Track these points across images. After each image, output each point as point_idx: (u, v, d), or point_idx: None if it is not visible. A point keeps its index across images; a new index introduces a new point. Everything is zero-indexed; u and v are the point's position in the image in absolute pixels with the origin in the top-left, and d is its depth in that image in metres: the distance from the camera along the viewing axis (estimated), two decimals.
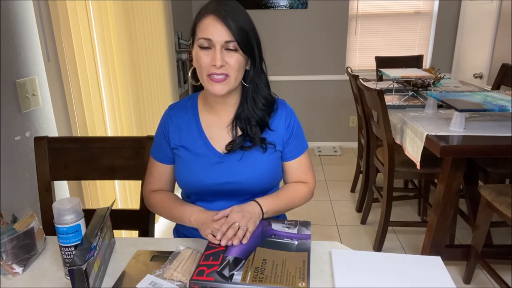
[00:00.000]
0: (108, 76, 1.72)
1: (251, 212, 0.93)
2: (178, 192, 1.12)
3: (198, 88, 1.06)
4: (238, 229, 0.86)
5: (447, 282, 0.76)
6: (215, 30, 0.88)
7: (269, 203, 0.98)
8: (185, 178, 1.02)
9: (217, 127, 1.02)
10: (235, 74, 0.92)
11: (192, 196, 1.06)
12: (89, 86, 1.55)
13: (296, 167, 1.07)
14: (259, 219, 0.94)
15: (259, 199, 0.98)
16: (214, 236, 0.85)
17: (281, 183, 1.12)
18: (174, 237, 1.15)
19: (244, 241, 0.84)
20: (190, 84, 1.07)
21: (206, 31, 0.89)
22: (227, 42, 0.89)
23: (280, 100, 1.06)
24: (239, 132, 1.01)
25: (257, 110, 1.00)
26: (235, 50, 0.91)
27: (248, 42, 0.92)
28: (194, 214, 0.94)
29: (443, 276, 0.78)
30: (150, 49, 2.29)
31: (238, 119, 1.01)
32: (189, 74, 1.03)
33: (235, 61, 0.91)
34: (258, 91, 1.00)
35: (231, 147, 0.99)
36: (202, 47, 0.91)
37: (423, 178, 2.39)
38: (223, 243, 0.83)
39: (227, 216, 0.90)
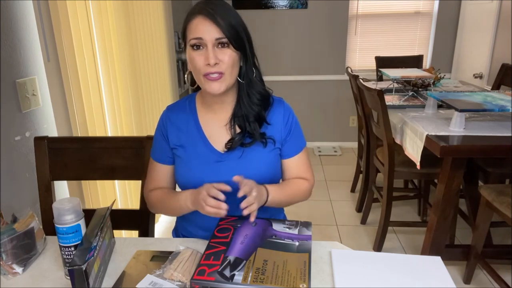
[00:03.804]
0: (108, 76, 1.72)
1: (261, 192, 0.92)
2: None
3: (198, 88, 1.06)
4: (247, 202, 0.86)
5: (447, 282, 0.76)
6: (204, 29, 0.89)
7: (275, 192, 0.97)
8: (185, 178, 1.02)
9: (216, 126, 1.02)
10: (229, 70, 0.93)
11: None
12: (89, 86, 1.55)
13: (295, 164, 1.07)
14: (263, 203, 0.93)
15: (267, 185, 0.97)
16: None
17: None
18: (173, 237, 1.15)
19: (252, 219, 0.87)
20: (190, 86, 1.07)
21: (196, 31, 0.90)
22: (217, 39, 0.89)
23: (277, 97, 1.07)
24: (238, 130, 1.01)
25: (253, 106, 1.00)
26: (227, 46, 0.91)
27: (238, 38, 0.92)
28: (188, 198, 0.94)
29: (443, 276, 0.78)
30: (150, 49, 2.29)
31: (236, 117, 1.01)
32: (186, 77, 1.03)
33: (228, 57, 0.91)
34: (252, 86, 1.00)
35: (231, 145, 0.99)
36: (194, 48, 0.91)
37: (423, 178, 2.39)
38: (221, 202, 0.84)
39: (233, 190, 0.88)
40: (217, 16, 0.89)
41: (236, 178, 0.89)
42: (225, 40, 0.90)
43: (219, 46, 0.91)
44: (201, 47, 0.91)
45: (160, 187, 1.08)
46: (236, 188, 1.00)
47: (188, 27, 0.92)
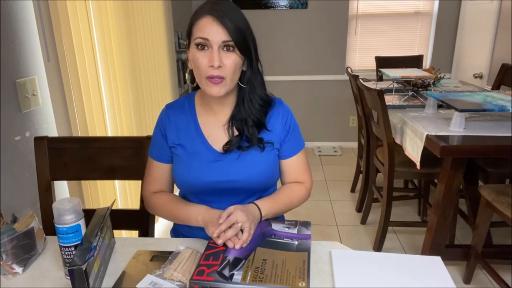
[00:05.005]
0: (108, 76, 1.72)
1: (253, 213, 0.92)
2: (176, 192, 1.12)
3: (197, 87, 1.06)
4: (243, 231, 0.86)
5: (447, 282, 0.76)
6: (212, 30, 0.88)
7: (267, 206, 0.97)
8: (183, 177, 1.01)
9: (215, 126, 1.02)
10: (231, 75, 0.92)
11: (190, 196, 1.06)
12: (89, 86, 1.55)
13: (293, 165, 1.07)
14: (258, 222, 0.94)
15: (257, 202, 0.97)
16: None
17: (278, 184, 1.12)
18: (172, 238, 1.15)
19: (245, 245, 0.84)
20: (190, 84, 1.07)
21: (203, 31, 0.89)
22: (224, 42, 0.89)
23: (277, 99, 1.06)
24: (236, 132, 1.01)
25: (254, 110, 1.00)
26: (232, 50, 0.91)
27: (245, 42, 0.92)
28: (201, 213, 0.94)
29: (443, 276, 0.78)
30: (150, 49, 2.29)
31: (234, 120, 1.01)
32: (187, 75, 1.03)
33: (232, 62, 0.91)
34: (255, 91, 1.00)
35: (228, 147, 0.99)
36: (199, 48, 0.91)
37: (423, 178, 2.39)
38: (219, 242, 0.83)
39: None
40: (226, 19, 0.88)
41: (222, 218, 0.88)
42: (231, 43, 0.89)
43: (225, 49, 0.90)
44: (206, 48, 0.90)
45: (163, 191, 1.08)
46: (236, 187, 1.00)
47: (194, 25, 0.91)
